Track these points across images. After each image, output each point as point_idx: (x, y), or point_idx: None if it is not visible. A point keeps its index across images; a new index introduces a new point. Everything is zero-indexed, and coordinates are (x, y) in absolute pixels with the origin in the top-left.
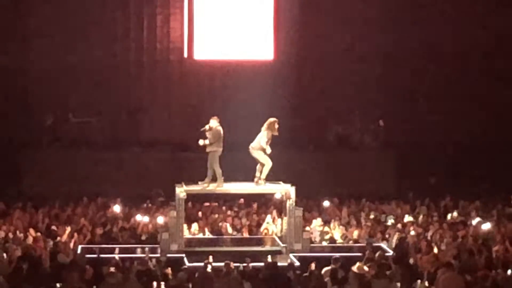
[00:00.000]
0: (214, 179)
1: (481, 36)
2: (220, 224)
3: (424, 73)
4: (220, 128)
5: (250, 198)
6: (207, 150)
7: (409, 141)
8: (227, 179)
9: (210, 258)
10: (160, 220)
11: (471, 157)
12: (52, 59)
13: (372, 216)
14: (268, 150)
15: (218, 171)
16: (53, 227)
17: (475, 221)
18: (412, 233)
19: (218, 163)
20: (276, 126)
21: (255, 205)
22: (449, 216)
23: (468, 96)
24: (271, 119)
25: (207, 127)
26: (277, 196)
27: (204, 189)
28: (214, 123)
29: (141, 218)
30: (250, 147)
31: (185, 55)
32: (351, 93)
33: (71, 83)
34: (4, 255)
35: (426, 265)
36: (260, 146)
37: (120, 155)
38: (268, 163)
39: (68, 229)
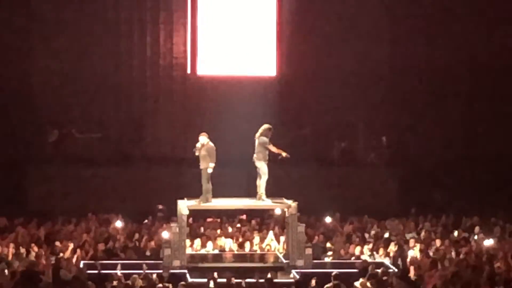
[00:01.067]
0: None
1: (484, 53)
2: (222, 240)
3: (428, 88)
4: (212, 144)
5: (252, 214)
6: (201, 167)
7: (412, 157)
8: (231, 195)
9: (215, 274)
10: (165, 235)
11: (474, 173)
12: (56, 76)
13: (373, 232)
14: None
15: (205, 187)
16: (56, 243)
17: (477, 237)
18: (416, 249)
19: (207, 179)
20: (270, 133)
21: (256, 221)
22: (455, 233)
23: (473, 111)
24: (266, 126)
25: (198, 145)
26: (277, 212)
27: (207, 205)
28: (204, 139)
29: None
30: (254, 158)
31: (188, 71)
32: (355, 109)
33: (74, 99)
34: (6, 271)
35: (429, 282)
36: (263, 156)
37: (123, 170)
38: (266, 176)
39: (71, 245)
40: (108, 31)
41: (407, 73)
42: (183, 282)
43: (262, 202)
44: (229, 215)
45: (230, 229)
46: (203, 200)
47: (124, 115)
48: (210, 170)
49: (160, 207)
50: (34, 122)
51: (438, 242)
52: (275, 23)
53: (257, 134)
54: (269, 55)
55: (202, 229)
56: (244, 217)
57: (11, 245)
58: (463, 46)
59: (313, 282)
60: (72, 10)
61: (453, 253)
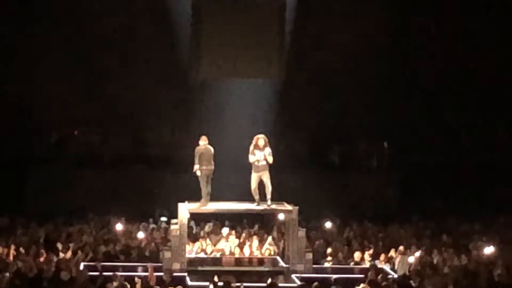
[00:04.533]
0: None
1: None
2: (222, 243)
3: (428, 94)
4: (209, 148)
5: (253, 218)
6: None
7: (413, 163)
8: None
9: (215, 278)
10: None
11: (475, 180)
12: (58, 77)
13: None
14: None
15: (204, 190)
16: (56, 244)
17: (478, 244)
18: (416, 255)
19: (205, 182)
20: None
21: (257, 225)
22: (456, 240)
23: (472, 117)
24: (263, 137)
25: (196, 150)
26: (281, 217)
27: (206, 208)
28: (203, 142)
29: (143, 236)
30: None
31: (191, 74)
32: (356, 114)
33: (76, 101)
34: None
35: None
36: (266, 165)
37: (125, 172)
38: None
39: (71, 246)
40: (109, 33)
41: (409, 79)
42: (180, 287)
43: (263, 206)
44: (230, 219)
45: (225, 232)
46: (203, 203)
47: (125, 117)
48: (198, 173)
49: (163, 213)
50: (35, 122)
51: (438, 249)
52: (279, 28)
53: (262, 144)
54: (272, 59)
55: (202, 232)
56: (244, 221)
57: (12, 246)
58: (459, 52)
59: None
60: (72, 11)
61: (453, 260)
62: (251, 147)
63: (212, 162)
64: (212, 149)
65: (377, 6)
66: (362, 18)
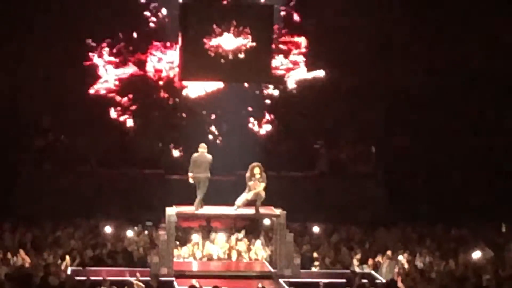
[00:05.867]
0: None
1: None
2: (210, 248)
3: (417, 100)
4: (206, 155)
5: (240, 222)
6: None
7: (400, 167)
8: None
9: (202, 282)
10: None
11: (464, 184)
12: (45, 81)
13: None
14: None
15: (198, 195)
16: (43, 248)
17: (466, 249)
18: (403, 260)
19: (200, 188)
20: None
21: (244, 230)
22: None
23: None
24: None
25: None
26: (266, 222)
27: (194, 212)
28: (201, 150)
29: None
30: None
31: (179, 77)
32: (344, 119)
33: (62, 103)
34: None
35: None
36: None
37: (113, 177)
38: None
39: (59, 251)
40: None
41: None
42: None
43: (250, 211)
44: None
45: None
46: (196, 208)
47: (113, 119)
48: (191, 180)
49: (149, 223)
50: (23, 126)
51: (425, 253)
52: (271, 32)
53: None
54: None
55: (190, 237)
56: (232, 225)
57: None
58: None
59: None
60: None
61: (440, 265)
62: (248, 174)
63: (207, 170)
64: (208, 157)
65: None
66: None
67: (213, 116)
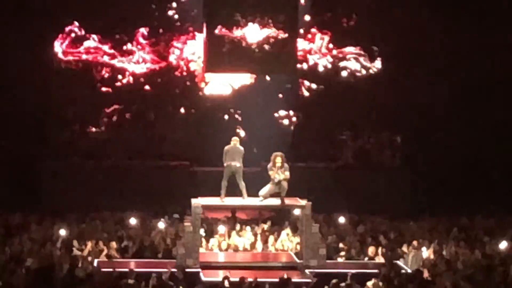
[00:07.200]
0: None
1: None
2: (236, 239)
3: (442, 90)
4: (238, 147)
5: (266, 213)
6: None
7: (426, 158)
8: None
9: (228, 273)
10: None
11: (489, 174)
12: (72, 75)
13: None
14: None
15: (223, 184)
16: (71, 241)
17: (492, 239)
18: (429, 250)
19: (227, 178)
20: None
21: (270, 221)
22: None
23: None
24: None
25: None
26: (296, 212)
27: (220, 204)
28: (233, 143)
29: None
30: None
31: (204, 69)
32: (370, 110)
33: (89, 97)
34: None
35: (443, 283)
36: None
37: (139, 169)
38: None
39: (86, 243)
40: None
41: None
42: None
43: (275, 202)
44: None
45: (242, 228)
46: (221, 198)
47: (139, 113)
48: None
49: (175, 211)
50: (49, 119)
51: (452, 244)
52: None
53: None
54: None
55: (217, 228)
56: (258, 216)
57: (27, 242)
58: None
59: (334, 281)
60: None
61: (467, 255)
62: (270, 164)
63: (239, 160)
64: (240, 148)
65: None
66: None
67: (239, 108)
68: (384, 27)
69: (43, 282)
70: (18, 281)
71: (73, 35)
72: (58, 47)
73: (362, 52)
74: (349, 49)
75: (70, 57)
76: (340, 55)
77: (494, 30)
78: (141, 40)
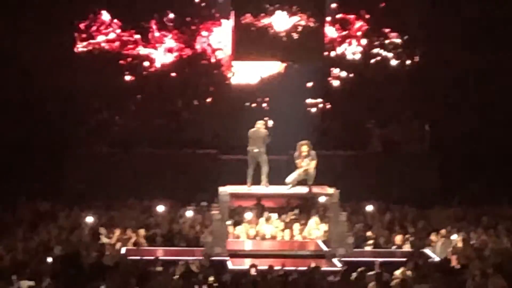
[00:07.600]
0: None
1: None
2: (263, 227)
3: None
4: (262, 130)
5: (293, 201)
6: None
7: (455, 146)
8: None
9: (256, 262)
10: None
11: None
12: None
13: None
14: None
15: (248, 172)
16: (99, 229)
17: None
18: (458, 239)
19: (250, 163)
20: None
21: (298, 209)
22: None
23: None
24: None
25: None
26: (322, 200)
27: (247, 192)
28: (258, 126)
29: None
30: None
31: (231, 57)
32: (398, 97)
33: (116, 85)
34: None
35: (471, 271)
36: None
37: (167, 157)
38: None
39: (114, 231)
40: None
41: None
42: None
43: (303, 189)
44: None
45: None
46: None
47: (166, 101)
48: (250, 154)
49: (204, 203)
50: (76, 107)
51: (480, 232)
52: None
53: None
54: (313, 43)
55: (244, 216)
56: (285, 204)
57: (55, 230)
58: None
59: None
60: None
61: (495, 243)
62: (296, 153)
63: (260, 145)
64: (263, 131)
65: None
66: None
67: (266, 95)
68: (414, 15)
69: (71, 269)
70: (45, 269)
71: (98, 22)
72: (84, 34)
73: (392, 40)
74: (380, 36)
75: (95, 45)
76: (371, 43)
77: None
78: (167, 26)
